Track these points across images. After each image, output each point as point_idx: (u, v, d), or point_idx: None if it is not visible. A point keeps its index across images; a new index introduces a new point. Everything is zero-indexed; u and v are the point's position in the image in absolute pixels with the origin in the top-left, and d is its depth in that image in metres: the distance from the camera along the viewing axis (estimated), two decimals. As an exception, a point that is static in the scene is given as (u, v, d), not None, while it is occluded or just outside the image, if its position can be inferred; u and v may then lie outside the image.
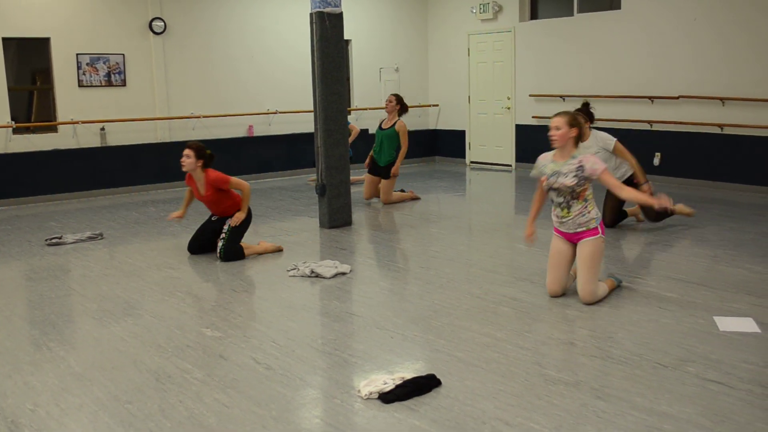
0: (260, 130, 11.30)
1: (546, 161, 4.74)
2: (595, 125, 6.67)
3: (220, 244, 6.06)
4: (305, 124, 11.32)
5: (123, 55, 10.05)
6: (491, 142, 12.35)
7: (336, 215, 7.27)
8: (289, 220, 7.88)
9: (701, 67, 9.28)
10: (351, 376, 3.64)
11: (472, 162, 12.74)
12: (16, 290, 5.46)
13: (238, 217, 6.12)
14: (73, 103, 9.74)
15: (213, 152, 6.23)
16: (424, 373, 3.55)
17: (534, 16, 11.61)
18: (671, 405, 3.20)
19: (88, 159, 9.85)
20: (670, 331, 4.13)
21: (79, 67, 9.73)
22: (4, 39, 9.27)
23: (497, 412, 3.16)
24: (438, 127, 13.35)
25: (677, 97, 9.50)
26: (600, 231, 4.64)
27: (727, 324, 4.21)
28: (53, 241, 6.84)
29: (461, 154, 12.91)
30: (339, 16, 7.06)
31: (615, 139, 6.49)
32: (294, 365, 3.77)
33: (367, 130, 11.74)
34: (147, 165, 10.33)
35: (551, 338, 4.11)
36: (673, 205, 5.58)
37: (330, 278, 5.42)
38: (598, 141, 6.48)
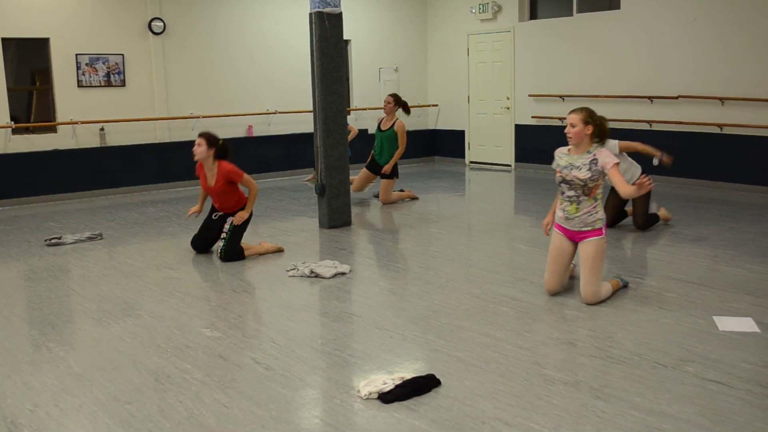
0: (260, 131, 11.30)
1: (561, 154, 4.77)
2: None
3: (220, 244, 6.05)
4: (305, 124, 11.32)
5: (122, 55, 10.05)
6: (491, 142, 12.35)
7: (335, 215, 7.27)
8: (289, 220, 7.88)
9: (700, 67, 9.28)
10: (350, 376, 3.64)
11: (471, 162, 12.74)
12: (15, 290, 5.46)
13: (242, 216, 6.10)
14: (73, 103, 9.74)
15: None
16: (423, 373, 3.55)
17: (533, 16, 11.61)
18: (671, 405, 3.20)
19: (88, 159, 9.85)
20: (670, 331, 4.13)
21: (78, 68, 9.73)
22: (3, 39, 9.27)
23: (497, 412, 3.16)
24: (437, 127, 13.35)
25: (677, 97, 9.50)
26: (603, 232, 4.65)
27: (727, 324, 4.21)
28: (53, 241, 6.84)
29: (461, 154, 12.91)
30: (338, 17, 7.06)
31: (617, 141, 6.51)
32: (293, 365, 3.77)
33: (366, 130, 11.74)
34: (146, 165, 10.33)
35: (551, 338, 4.11)
36: (669, 158, 6.52)
37: (329, 278, 5.42)
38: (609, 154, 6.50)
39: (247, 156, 10.97)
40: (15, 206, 9.25)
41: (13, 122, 9.37)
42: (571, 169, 4.63)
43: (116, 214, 8.47)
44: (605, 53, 10.37)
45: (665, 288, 4.99)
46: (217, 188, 6.06)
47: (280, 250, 6.32)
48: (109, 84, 9.99)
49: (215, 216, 6.28)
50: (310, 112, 7.63)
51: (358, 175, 9.06)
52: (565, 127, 4.75)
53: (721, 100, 9.05)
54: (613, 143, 6.51)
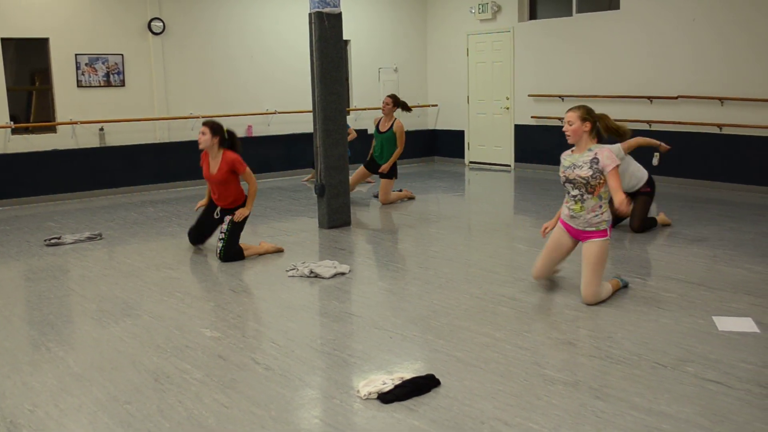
0: (259, 131, 11.30)
1: (566, 156, 4.79)
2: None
3: (219, 245, 6.05)
4: (304, 124, 11.32)
5: (122, 55, 10.05)
6: (490, 142, 12.35)
7: (335, 215, 7.27)
8: (288, 220, 7.88)
9: (700, 67, 9.29)
10: (350, 376, 3.64)
11: (471, 162, 12.74)
12: (15, 290, 5.45)
13: (242, 213, 6.10)
14: (72, 103, 9.74)
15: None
16: (423, 373, 3.55)
17: (533, 16, 11.61)
18: (670, 405, 3.20)
19: (87, 159, 9.85)
20: (669, 331, 4.13)
21: (78, 68, 9.73)
22: (3, 39, 9.27)
23: (496, 412, 3.16)
24: (437, 127, 13.35)
25: (676, 97, 9.51)
26: (608, 233, 4.65)
27: (726, 324, 4.21)
28: (52, 241, 6.84)
29: (460, 154, 12.91)
30: (338, 17, 7.06)
31: (618, 144, 6.52)
32: (293, 365, 3.77)
33: (365, 130, 11.74)
34: (146, 165, 10.33)
35: (550, 338, 4.11)
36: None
37: (329, 278, 5.42)
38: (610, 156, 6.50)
39: (247, 156, 10.89)
40: (14, 206, 9.25)
41: (12, 122, 9.37)
42: (574, 168, 4.65)
43: (116, 214, 8.47)
44: (605, 53, 10.37)
45: (665, 288, 4.99)
46: (219, 176, 6.05)
47: (279, 251, 6.32)
48: (108, 84, 9.99)
49: (217, 214, 6.27)
50: (310, 112, 7.63)
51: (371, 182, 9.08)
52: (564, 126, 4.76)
53: (721, 100, 9.06)
54: (616, 147, 6.52)
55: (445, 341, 4.06)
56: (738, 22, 8.89)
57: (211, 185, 6.21)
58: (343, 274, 5.54)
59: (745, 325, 4.19)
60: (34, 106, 10.16)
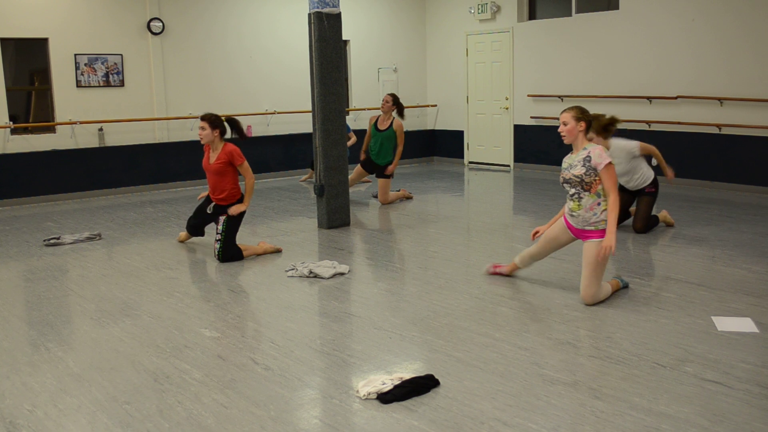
0: (258, 131, 11.30)
1: (566, 158, 4.83)
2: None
3: (217, 246, 6.05)
4: (303, 124, 11.33)
5: (121, 55, 10.04)
6: (489, 142, 12.35)
7: (334, 215, 7.27)
8: (288, 220, 7.88)
9: (699, 68, 9.29)
10: (349, 376, 3.64)
11: (470, 162, 12.74)
12: (14, 291, 5.45)
13: (238, 208, 6.09)
14: (72, 103, 9.73)
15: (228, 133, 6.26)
16: (422, 374, 3.55)
17: (532, 16, 11.62)
18: (669, 405, 3.20)
19: (87, 159, 9.84)
20: (669, 331, 4.13)
21: (77, 68, 9.73)
22: (2, 39, 9.26)
23: (495, 413, 3.17)
24: (436, 128, 13.35)
25: (675, 98, 9.51)
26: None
27: (726, 324, 4.22)
28: (51, 241, 6.84)
29: (459, 154, 12.91)
30: (337, 17, 7.06)
31: (637, 143, 6.53)
32: (292, 366, 3.77)
33: (364, 131, 11.72)
34: (145, 165, 10.33)
35: (549, 338, 4.11)
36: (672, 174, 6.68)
37: (328, 279, 5.42)
38: (622, 151, 6.53)
39: (246, 156, 10.94)
40: (14, 206, 9.25)
41: (11, 122, 9.37)
42: (570, 168, 4.68)
43: (115, 214, 8.47)
44: (604, 53, 10.37)
45: (664, 288, 5.00)
46: (216, 166, 6.07)
47: (278, 251, 6.32)
48: (107, 84, 9.99)
49: (210, 209, 6.25)
50: (309, 112, 7.65)
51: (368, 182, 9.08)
52: (563, 127, 4.77)
53: (720, 100, 9.06)
54: (634, 144, 6.55)
55: (444, 341, 4.06)
56: (737, 22, 8.89)
57: (208, 175, 6.22)
58: (342, 274, 5.54)
59: (745, 325, 4.19)
60: (33, 106, 10.16)
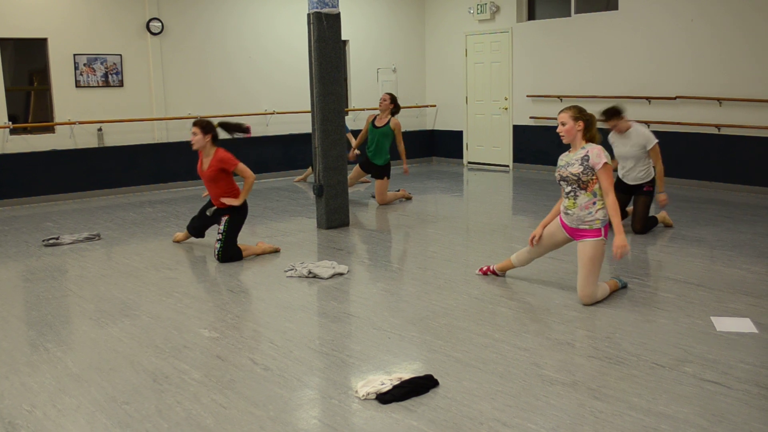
0: (258, 131, 11.29)
1: (562, 156, 4.84)
2: (603, 126, 6.70)
3: (217, 246, 6.05)
4: (303, 124, 11.32)
5: (120, 55, 10.04)
6: (488, 142, 12.36)
7: (333, 216, 7.27)
8: (287, 220, 7.88)
9: (698, 68, 9.30)
10: (348, 376, 3.64)
11: (469, 162, 12.74)
12: (13, 291, 5.45)
13: (230, 201, 6.06)
14: (71, 103, 9.73)
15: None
16: (421, 374, 3.55)
17: (531, 16, 11.62)
18: (668, 405, 3.20)
19: (86, 159, 9.84)
20: (668, 332, 4.13)
21: (76, 68, 9.72)
22: (1, 39, 9.26)
23: (495, 413, 3.17)
24: (435, 128, 13.35)
25: (674, 98, 9.51)
26: (602, 233, 4.65)
27: (725, 324, 4.22)
28: (50, 241, 6.83)
29: (458, 154, 12.91)
30: (336, 17, 7.06)
31: (656, 141, 6.54)
32: (291, 366, 3.77)
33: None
34: (144, 166, 10.32)
35: (549, 339, 4.11)
36: (664, 201, 6.69)
37: (327, 279, 5.42)
38: (640, 137, 6.55)
39: (246, 156, 10.96)
40: (13, 206, 9.24)
41: (11, 122, 9.36)
42: (567, 166, 4.69)
43: (114, 215, 8.46)
44: (603, 54, 10.38)
45: (663, 288, 5.00)
46: (208, 173, 6.08)
47: (276, 251, 6.32)
48: (107, 84, 9.98)
49: (209, 212, 6.26)
50: (308, 112, 7.64)
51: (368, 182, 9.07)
52: (562, 127, 4.78)
53: (719, 100, 9.07)
54: (653, 139, 6.57)
55: (443, 342, 4.06)
56: (736, 22, 8.90)
57: (204, 180, 6.23)
58: (341, 274, 5.54)
59: (744, 325, 4.19)
60: (32, 106, 10.15)
